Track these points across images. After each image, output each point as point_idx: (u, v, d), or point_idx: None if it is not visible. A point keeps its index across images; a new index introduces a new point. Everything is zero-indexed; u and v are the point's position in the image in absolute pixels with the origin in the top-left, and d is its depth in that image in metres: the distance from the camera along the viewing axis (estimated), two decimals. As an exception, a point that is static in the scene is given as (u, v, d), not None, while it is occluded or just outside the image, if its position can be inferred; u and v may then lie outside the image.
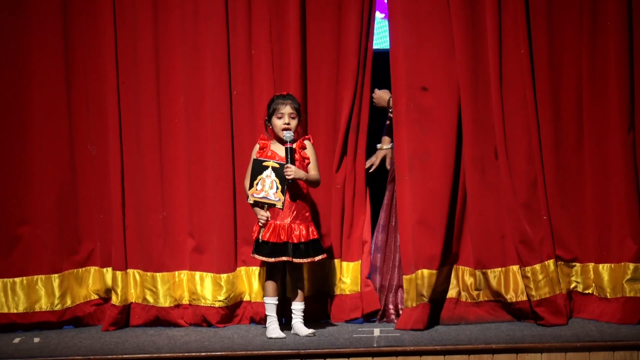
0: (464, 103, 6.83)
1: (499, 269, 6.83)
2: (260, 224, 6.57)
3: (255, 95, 7.00)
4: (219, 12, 6.97)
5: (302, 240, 6.55)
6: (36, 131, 7.06)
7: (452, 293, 6.90)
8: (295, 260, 6.55)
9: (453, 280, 6.90)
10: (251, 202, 6.58)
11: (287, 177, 6.50)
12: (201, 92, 7.02)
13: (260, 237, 6.56)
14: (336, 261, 7.02)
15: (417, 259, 6.75)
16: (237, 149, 7.00)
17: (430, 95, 6.87)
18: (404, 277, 6.80)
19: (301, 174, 6.57)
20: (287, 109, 6.63)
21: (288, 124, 6.61)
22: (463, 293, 6.88)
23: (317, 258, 6.61)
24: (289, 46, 6.97)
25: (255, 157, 6.62)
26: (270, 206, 6.55)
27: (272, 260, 6.54)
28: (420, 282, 6.73)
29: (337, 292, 7.01)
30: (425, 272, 6.74)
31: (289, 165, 6.53)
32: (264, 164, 6.56)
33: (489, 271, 6.83)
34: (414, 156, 6.80)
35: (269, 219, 6.56)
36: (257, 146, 6.71)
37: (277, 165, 6.53)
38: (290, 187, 6.57)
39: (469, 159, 6.85)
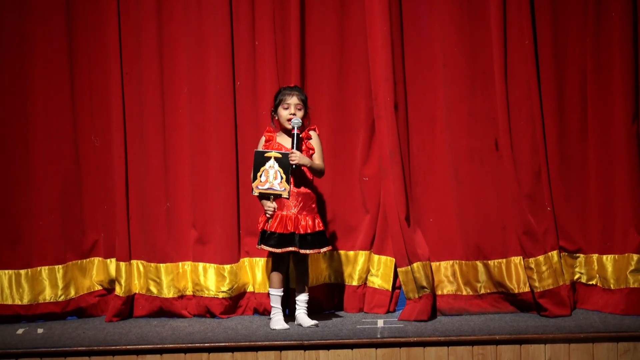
0: (456, 97, 6.82)
1: (500, 259, 6.83)
2: (267, 215, 6.57)
3: (258, 86, 7.00)
4: (223, 2, 6.97)
5: (309, 231, 6.55)
6: (40, 123, 7.07)
7: (449, 288, 6.89)
8: (302, 251, 6.54)
9: (449, 275, 6.90)
10: (256, 194, 6.57)
11: (291, 162, 6.50)
12: (204, 83, 7.02)
13: (267, 228, 6.56)
14: (351, 253, 7.03)
15: (410, 252, 6.75)
16: (241, 140, 7.00)
17: (409, 90, 6.90)
18: (399, 269, 6.81)
19: (306, 160, 6.57)
20: (293, 100, 6.63)
21: (294, 114, 6.61)
22: (463, 286, 6.88)
23: (322, 249, 6.61)
24: (292, 37, 6.96)
25: (256, 150, 6.61)
26: (277, 197, 6.54)
27: (279, 251, 6.53)
28: (418, 274, 6.73)
29: (360, 283, 7.02)
30: (420, 264, 6.74)
31: (294, 150, 6.53)
32: (266, 155, 6.55)
33: (490, 262, 6.83)
34: (395, 150, 6.80)
35: (276, 210, 6.56)
36: (262, 138, 6.70)
37: (280, 155, 6.52)
38: (296, 177, 6.56)
39: (466, 151, 6.86)
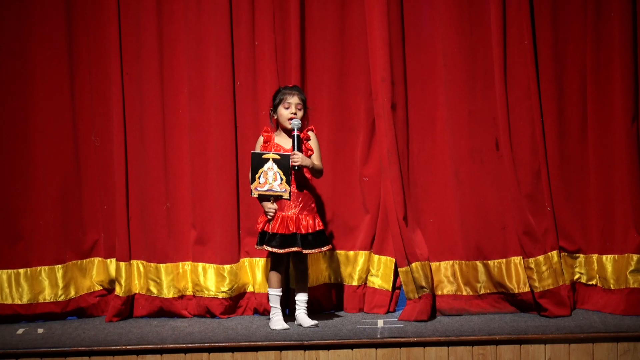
0: (456, 97, 6.83)
1: (500, 260, 6.83)
2: (268, 216, 6.56)
3: (258, 86, 7.00)
4: (223, 3, 6.97)
5: (310, 230, 6.56)
6: (40, 122, 7.07)
7: (450, 288, 6.89)
8: (305, 250, 6.55)
9: (450, 275, 6.90)
10: (255, 195, 6.57)
11: (293, 163, 6.50)
12: (204, 83, 7.02)
13: (267, 229, 6.55)
14: (351, 253, 7.03)
15: (409, 252, 6.75)
16: (241, 140, 7.00)
17: (410, 89, 6.92)
18: (400, 269, 6.81)
19: (308, 161, 6.57)
20: (294, 99, 6.64)
21: (295, 113, 6.61)
22: (463, 286, 6.88)
23: (324, 248, 6.61)
24: (292, 37, 6.96)
25: (253, 151, 6.60)
26: (277, 198, 6.54)
27: (282, 251, 6.53)
28: (417, 274, 6.73)
29: (360, 283, 7.02)
30: (419, 264, 6.74)
31: (296, 152, 6.53)
32: (264, 156, 6.55)
33: (489, 262, 6.83)
34: (392, 151, 6.81)
35: (277, 211, 6.56)
36: (261, 139, 6.70)
37: (278, 157, 6.52)
38: (296, 176, 6.57)
39: (466, 150, 6.86)
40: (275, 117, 6.71)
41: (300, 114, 6.64)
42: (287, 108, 6.64)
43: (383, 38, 6.83)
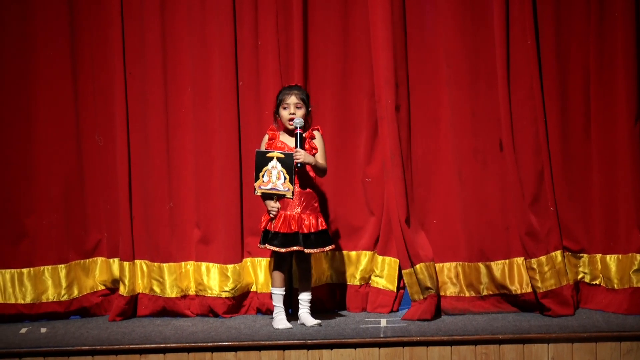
0: (459, 98, 6.83)
1: (503, 261, 6.83)
2: (271, 215, 6.56)
3: (261, 85, 7.01)
4: (226, 2, 6.98)
5: (312, 230, 6.55)
6: (43, 122, 7.07)
7: (452, 289, 6.88)
8: (307, 250, 6.55)
9: (453, 276, 6.89)
10: (259, 193, 6.57)
11: (296, 160, 6.50)
12: (208, 83, 7.03)
13: (270, 228, 6.56)
14: (353, 253, 7.03)
15: (412, 254, 6.75)
16: (244, 140, 7.01)
17: (413, 91, 6.92)
18: (403, 271, 6.80)
19: (310, 158, 6.57)
20: (292, 99, 6.64)
21: (293, 114, 6.62)
22: (465, 288, 6.87)
23: (326, 248, 6.61)
24: (295, 37, 6.97)
25: (258, 150, 6.61)
26: (280, 197, 6.54)
27: (283, 250, 6.53)
28: (421, 275, 6.72)
29: (362, 283, 7.02)
30: (423, 265, 6.73)
31: (298, 149, 6.53)
32: (268, 155, 6.55)
33: (492, 263, 6.83)
34: (396, 153, 6.80)
35: (279, 210, 6.56)
36: (266, 137, 6.71)
37: (282, 156, 6.52)
38: (300, 175, 6.57)
39: (469, 151, 6.86)
40: (279, 118, 6.71)
41: (300, 112, 6.63)
42: (285, 109, 6.65)
43: (386, 39, 6.83)
